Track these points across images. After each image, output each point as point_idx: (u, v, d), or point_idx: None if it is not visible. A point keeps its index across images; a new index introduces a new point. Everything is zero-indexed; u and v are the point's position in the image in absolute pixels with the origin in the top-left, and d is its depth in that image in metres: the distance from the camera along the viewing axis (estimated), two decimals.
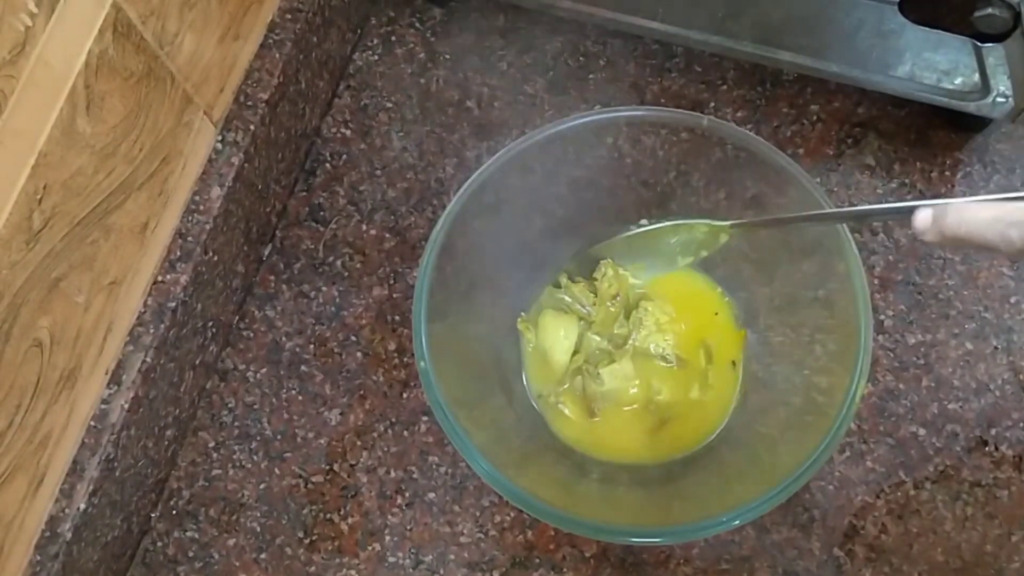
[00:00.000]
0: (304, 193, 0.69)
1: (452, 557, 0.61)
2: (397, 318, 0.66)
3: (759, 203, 0.59)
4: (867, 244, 0.66)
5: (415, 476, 0.63)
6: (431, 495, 0.62)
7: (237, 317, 0.67)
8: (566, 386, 0.61)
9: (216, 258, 0.61)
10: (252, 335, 0.66)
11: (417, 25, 0.73)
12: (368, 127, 0.71)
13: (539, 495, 0.52)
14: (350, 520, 0.62)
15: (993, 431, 0.62)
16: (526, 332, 0.62)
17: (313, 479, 0.63)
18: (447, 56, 0.72)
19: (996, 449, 0.62)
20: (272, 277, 0.68)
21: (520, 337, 0.63)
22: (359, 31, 0.73)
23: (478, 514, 0.62)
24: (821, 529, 0.61)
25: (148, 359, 0.57)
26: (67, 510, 0.54)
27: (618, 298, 0.62)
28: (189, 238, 0.59)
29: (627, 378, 0.61)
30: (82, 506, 0.54)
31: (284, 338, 0.66)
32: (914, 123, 0.69)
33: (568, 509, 0.52)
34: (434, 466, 0.63)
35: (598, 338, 0.62)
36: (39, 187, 0.47)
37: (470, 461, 0.52)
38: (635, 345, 0.62)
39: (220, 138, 0.61)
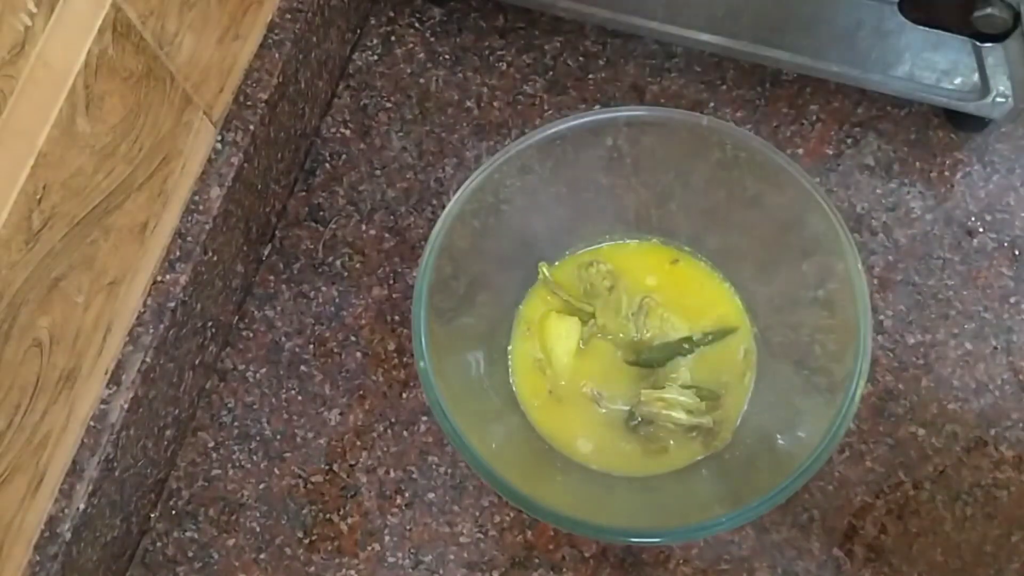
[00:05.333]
0: (304, 193, 0.69)
1: (451, 557, 0.61)
2: (397, 318, 0.66)
3: (758, 203, 0.60)
4: (867, 244, 0.66)
5: (415, 476, 0.63)
6: (431, 495, 0.62)
7: (237, 317, 0.67)
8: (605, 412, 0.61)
9: (216, 258, 0.61)
10: (252, 335, 0.66)
11: (417, 25, 0.73)
12: (368, 127, 0.71)
13: (538, 495, 0.52)
14: (350, 520, 0.62)
15: (993, 431, 0.62)
16: (519, 337, 0.62)
17: (313, 479, 0.63)
18: (447, 56, 0.72)
19: (996, 449, 0.62)
20: (272, 277, 0.68)
21: (511, 343, 0.63)
22: (359, 31, 0.73)
23: (478, 514, 0.62)
24: (821, 529, 0.61)
25: (148, 359, 0.57)
26: (66, 510, 0.54)
27: (613, 289, 0.62)
28: (189, 238, 0.59)
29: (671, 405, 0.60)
30: (81, 506, 0.54)
31: (284, 338, 0.66)
32: (914, 123, 0.69)
33: (567, 509, 0.52)
34: (433, 466, 0.63)
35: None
36: (39, 187, 0.47)
37: (469, 461, 0.52)
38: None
39: (220, 138, 0.61)
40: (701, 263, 0.64)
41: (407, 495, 0.63)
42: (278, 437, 0.64)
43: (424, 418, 0.64)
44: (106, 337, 0.56)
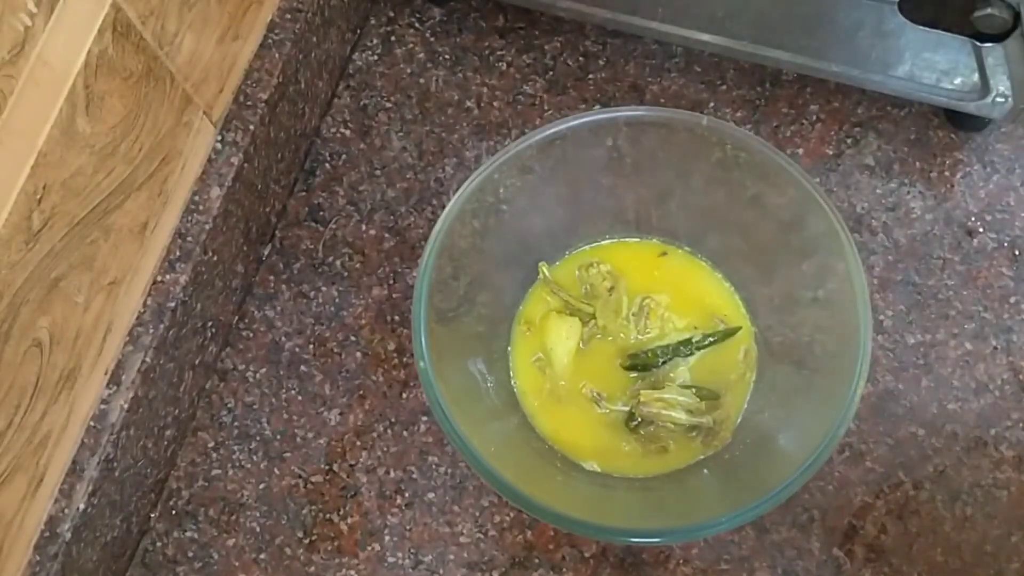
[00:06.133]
0: (304, 193, 0.69)
1: (451, 557, 0.61)
2: (397, 318, 0.66)
3: (758, 203, 0.60)
4: (867, 244, 0.66)
5: (415, 476, 0.63)
6: (431, 495, 0.62)
7: (237, 317, 0.67)
8: (608, 410, 0.61)
9: (216, 258, 0.61)
10: (252, 335, 0.66)
11: (417, 25, 0.73)
12: (368, 127, 0.71)
13: (538, 495, 0.52)
14: (350, 520, 0.62)
15: (993, 431, 0.62)
16: (519, 337, 0.62)
17: (313, 479, 0.63)
18: (447, 56, 0.72)
19: (996, 449, 0.62)
20: (272, 277, 0.68)
21: (511, 343, 0.63)
22: (359, 31, 0.73)
23: (478, 514, 0.62)
24: (821, 529, 0.61)
25: (148, 359, 0.57)
26: (66, 510, 0.54)
27: (614, 290, 0.62)
28: (189, 238, 0.59)
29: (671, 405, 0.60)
30: (81, 506, 0.54)
31: (284, 338, 0.66)
32: (914, 123, 0.69)
33: (567, 509, 0.52)
34: (433, 466, 0.63)
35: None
36: (39, 187, 0.47)
37: (469, 461, 0.52)
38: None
39: (220, 138, 0.61)
40: (701, 262, 0.64)
41: (407, 495, 0.63)
42: (278, 437, 0.64)
43: (424, 418, 0.64)
44: (106, 337, 0.56)
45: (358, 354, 0.66)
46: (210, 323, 0.63)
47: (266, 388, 0.65)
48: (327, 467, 0.63)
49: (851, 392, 0.52)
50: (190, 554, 0.62)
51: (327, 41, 0.68)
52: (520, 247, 0.63)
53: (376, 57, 0.73)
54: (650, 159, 0.60)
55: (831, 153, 0.69)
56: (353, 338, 0.66)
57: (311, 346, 0.66)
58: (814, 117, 0.70)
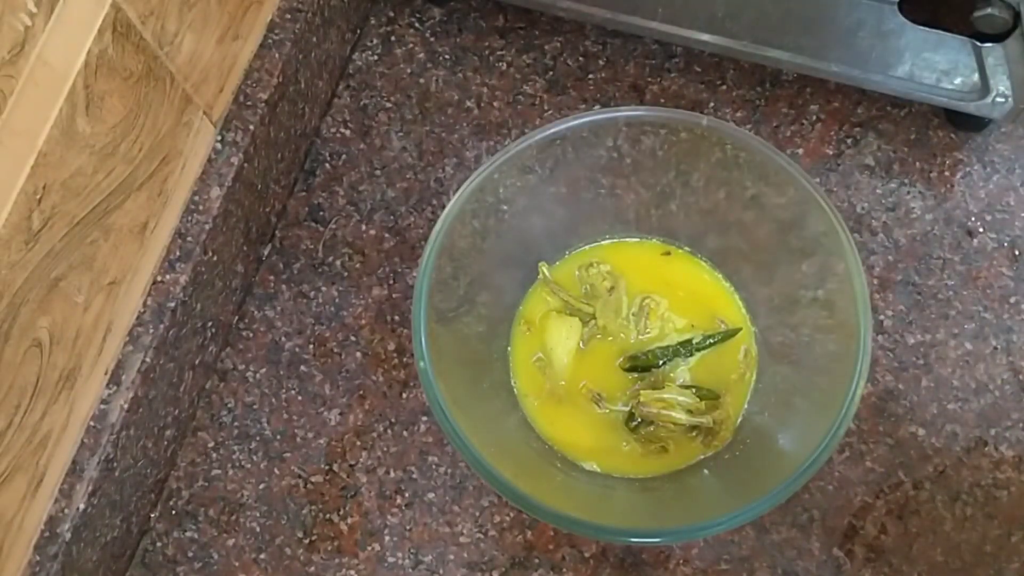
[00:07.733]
0: (304, 193, 0.69)
1: (451, 557, 0.61)
2: (397, 318, 0.66)
3: (758, 203, 0.60)
4: (866, 244, 0.66)
5: (415, 476, 0.63)
6: (431, 495, 0.62)
7: (236, 317, 0.67)
8: (610, 411, 0.61)
9: (216, 258, 0.61)
10: (252, 335, 0.66)
11: (417, 25, 0.73)
12: (368, 127, 0.71)
13: (538, 495, 0.52)
14: (350, 520, 0.62)
15: (993, 431, 0.62)
16: (519, 337, 0.62)
17: (312, 479, 0.63)
18: (447, 56, 0.72)
19: (996, 449, 0.62)
20: (272, 277, 0.68)
21: (511, 343, 0.63)
22: (359, 31, 0.73)
23: (478, 514, 0.62)
24: (821, 529, 0.61)
25: (148, 359, 0.57)
26: (66, 510, 0.54)
27: (614, 290, 0.62)
28: (189, 238, 0.59)
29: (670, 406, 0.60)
30: (81, 506, 0.54)
31: (284, 338, 0.66)
32: (914, 123, 0.69)
33: (567, 509, 0.52)
34: (434, 466, 0.63)
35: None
36: (38, 187, 0.47)
37: (469, 461, 0.52)
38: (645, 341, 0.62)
39: (219, 138, 0.61)
40: (701, 262, 0.64)
41: (407, 495, 0.63)
42: (278, 437, 0.64)
43: (424, 418, 0.64)
44: (106, 337, 0.56)
45: (358, 354, 0.66)
46: (210, 323, 0.63)
47: (266, 388, 0.65)
48: (327, 467, 0.63)
49: (851, 392, 0.52)
50: (190, 554, 0.62)
51: (327, 41, 0.68)
52: (520, 247, 0.63)
53: (376, 57, 0.73)
54: (650, 159, 0.60)
55: (831, 153, 0.69)
56: (353, 338, 0.66)
57: (311, 346, 0.66)
58: (814, 117, 0.70)
